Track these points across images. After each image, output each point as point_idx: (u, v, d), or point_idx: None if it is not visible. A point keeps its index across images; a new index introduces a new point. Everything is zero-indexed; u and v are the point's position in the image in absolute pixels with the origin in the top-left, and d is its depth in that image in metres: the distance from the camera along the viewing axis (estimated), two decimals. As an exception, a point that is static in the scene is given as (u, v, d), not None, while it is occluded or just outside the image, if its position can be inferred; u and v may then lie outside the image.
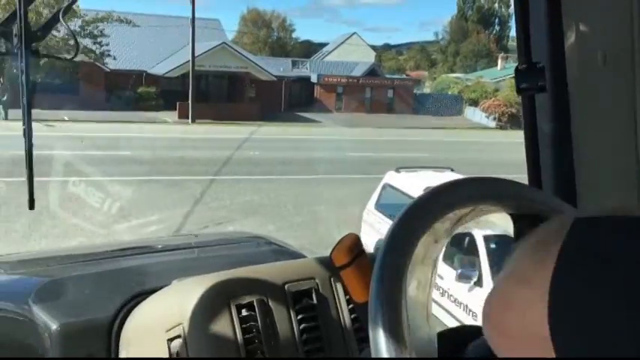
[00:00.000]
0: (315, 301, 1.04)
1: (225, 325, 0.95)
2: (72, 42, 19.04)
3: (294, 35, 71.99)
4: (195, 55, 27.49)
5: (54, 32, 1.24)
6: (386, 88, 36.75)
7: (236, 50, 31.65)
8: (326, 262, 1.11)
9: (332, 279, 1.08)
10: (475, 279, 5.33)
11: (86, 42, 24.50)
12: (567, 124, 1.16)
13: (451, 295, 5.65)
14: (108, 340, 1.06)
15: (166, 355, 0.95)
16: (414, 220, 0.58)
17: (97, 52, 25.33)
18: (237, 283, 1.00)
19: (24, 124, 1.20)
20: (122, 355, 1.05)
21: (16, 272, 1.60)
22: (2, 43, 1.17)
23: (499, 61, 43.25)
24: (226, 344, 0.94)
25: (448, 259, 5.99)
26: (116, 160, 13.41)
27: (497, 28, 63.12)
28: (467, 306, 5.55)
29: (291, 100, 34.65)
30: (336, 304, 1.06)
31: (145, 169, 12.96)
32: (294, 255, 1.65)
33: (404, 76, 48.11)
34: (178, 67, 29.31)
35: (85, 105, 24.76)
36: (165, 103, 28.29)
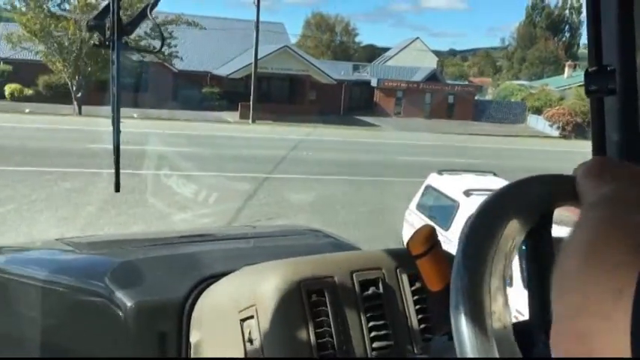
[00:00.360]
0: (381, 290, 1.06)
1: (296, 309, 0.98)
2: (142, 43, 19.89)
3: (357, 39, 72.24)
4: (258, 57, 28.05)
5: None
6: (446, 94, 36.25)
7: (297, 53, 32.08)
8: (392, 254, 1.13)
9: (398, 270, 1.10)
10: None
11: (156, 43, 25.41)
12: (636, 128, 1.15)
13: None
14: (179, 320, 1.11)
15: (239, 334, 1.00)
16: (495, 210, 0.58)
17: (166, 53, 26.22)
18: (307, 270, 1.03)
19: (112, 111, 1.26)
20: (194, 333, 1.09)
21: (93, 252, 1.69)
22: (95, 36, 1.24)
23: (566, 69, 41.75)
24: (297, 327, 0.97)
25: None
26: (178, 156, 13.87)
27: (566, 35, 60.97)
28: None
29: (351, 104, 34.79)
30: (401, 294, 1.08)
31: (202, 166, 13.35)
32: (351, 248, 1.66)
33: (466, 82, 47.29)
34: (241, 68, 30.05)
35: (153, 104, 25.74)
36: (228, 104, 29.08)
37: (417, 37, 50.31)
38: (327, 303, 1.00)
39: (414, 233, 0.83)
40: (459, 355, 0.52)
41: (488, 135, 28.45)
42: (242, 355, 1.01)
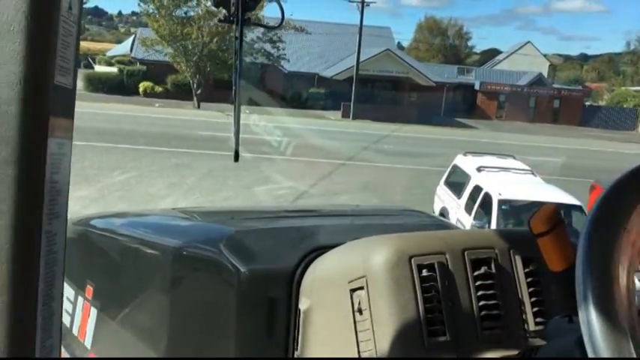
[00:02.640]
0: (493, 270, 1.03)
1: (406, 282, 0.97)
2: (255, 46, 22.01)
3: (469, 43, 71.58)
4: (361, 60, 29.69)
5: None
6: (552, 98, 35.56)
7: (398, 56, 33.28)
8: (506, 234, 1.11)
9: (511, 251, 1.06)
10: None
11: (266, 46, 28.02)
12: None
13: None
14: (289, 287, 1.13)
15: (348, 304, 1.02)
16: (625, 192, 0.56)
17: (275, 55, 28.60)
18: (418, 245, 1.03)
19: (234, 84, 1.34)
20: (303, 300, 1.12)
21: (208, 221, 1.76)
22: (220, 11, 1.31)
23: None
24: (407, 300, 0.96)
25: (468, 211, 7.33)
26: (271, 144, 15.96)
27: (702, 37, 56.04)
28: None
29: (454, 106, 35.19)
30: (514, 275, 1.04)
31: (293, 152, 15.34)
32: (455, 228, 1.64)
33: (579, 87, 45.60)
34: (345, 70, 31.89)
35: (264, 101, 28.13)
36: (332, 103, 30.99)
37: (528, 42, 49.21)
38: (438, 279, 0.99)
39: (537, 211, 0.80)
40: (586, 341, 0.50)
41: (590, 138, 27.88)
42: (351, 324, 1.00)
